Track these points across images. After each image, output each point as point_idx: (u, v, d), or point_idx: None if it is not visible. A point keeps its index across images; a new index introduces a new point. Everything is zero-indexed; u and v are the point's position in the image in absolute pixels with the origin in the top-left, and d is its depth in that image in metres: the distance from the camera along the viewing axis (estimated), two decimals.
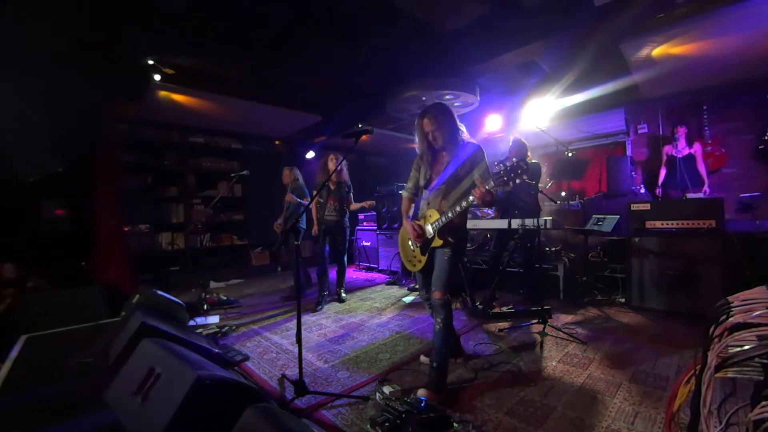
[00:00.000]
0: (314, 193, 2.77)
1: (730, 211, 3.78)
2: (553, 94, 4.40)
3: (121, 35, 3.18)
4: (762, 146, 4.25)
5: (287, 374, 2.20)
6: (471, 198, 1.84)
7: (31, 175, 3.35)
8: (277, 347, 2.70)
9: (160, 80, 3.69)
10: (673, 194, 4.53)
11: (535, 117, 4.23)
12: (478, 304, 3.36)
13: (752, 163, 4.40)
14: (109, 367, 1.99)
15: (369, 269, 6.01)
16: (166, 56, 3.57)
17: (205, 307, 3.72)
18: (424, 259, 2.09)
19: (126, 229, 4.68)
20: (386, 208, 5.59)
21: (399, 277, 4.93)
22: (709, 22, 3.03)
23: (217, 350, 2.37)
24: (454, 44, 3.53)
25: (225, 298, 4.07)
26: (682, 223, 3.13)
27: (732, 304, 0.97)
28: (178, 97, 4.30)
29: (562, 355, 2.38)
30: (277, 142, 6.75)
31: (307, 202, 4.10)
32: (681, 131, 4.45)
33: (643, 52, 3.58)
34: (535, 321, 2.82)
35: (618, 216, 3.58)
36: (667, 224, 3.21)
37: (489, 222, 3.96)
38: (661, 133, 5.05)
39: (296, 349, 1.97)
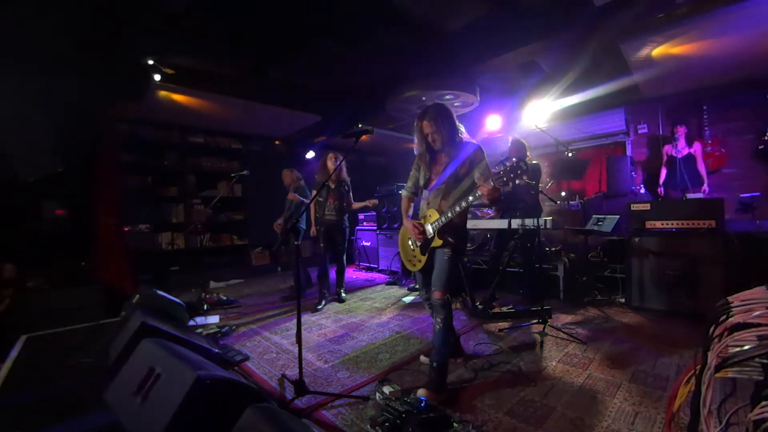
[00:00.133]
0: (314, 193, 2.77)
1: (730, 211, 3.78)
2: (553, 94, 4.40)
3: (121, 35, 3.19)
4: (762, 146, 4.25)
5: (287, 374, 2.20)
6: (471, 198, 1.84)
7: (31, 175, 3.35)
8: (277, 347, 2.70)
9: (160, 80, 3.69)
10: (673, 194, 4.54)
11: (535, 117, 4.23)
12: (478, 304, 3.36)
13: (752, 163, 4.40)
14: (109, 367, 1.99)
15: (369, 269, 6.01)
16: (166, 56, 3.58)
17: (205, 307, 3.72)
18: (423, 258, 2.09)
19: (126, 229, 4.68)
20: (386, 208, 5.59)
21: (399, 277, 4.93)
22: (709, 22, 3.03)
23: (217, 350, 2.37)
24: (454, 44, 3.53)
25: (225, 298, 4.07)
26: (682, 223, 3.13)
27: (732, 304, 0.97)
28: (178, 97, 4.30)
29: (562, 355, 2.38)
30: (277, 142, 6.75)
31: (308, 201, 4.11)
32: (681, 131, 4.45)
33: (643, 52, 3.58)
34: (535, 321, 2.82)
35: (618, 216, 3.58)
36: (667, 224, 3.21)
37: (489, 222, 3.96)
38: (661, 133, 5.05)
39: (296, 349, 1.97)
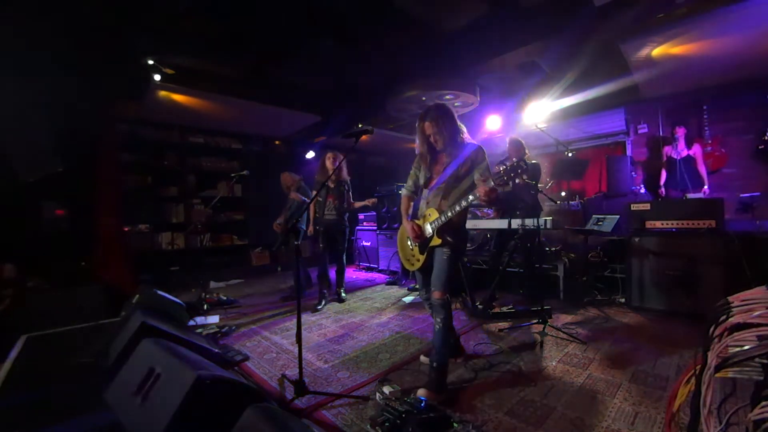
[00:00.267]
0: (314, 193, 2.76)
1: (730, 211, 3.78)
2: (553, 94, 4.40)
3: (121, 35, 3.18)
4: (762, 146, 4.25)
5: (287, 374, 2.20)
6: (471, 197, 1.84)
7: (31, 175, 3.35)
8: (277, 347, 2.70)
9: (160, 80, 3.69)
10: (673, 195, 4.54)
11: (535, 117, 4.23)
12: (478, 304, 3.36)
13: (752, 163, 4.40)
14: (109, 367, 1.99)
15: (369, 269, 6.00)
16: (166, 56, 3.58)
17: (205, 307, 3.72)
18: (422, 258, 2.09)
19: (126, 229, 4.68)
20: (386, 208, 5.59)
21: (399, 277, 4.93)
22: (709, 22, 3.03)
23: (217, 350, 2.37)
24: (454, 44, 3.53)
25: (225, 298, 4.07)
26: (682, 223, 3.13)
27: (732, 304, 0.97)
28: (178, 97, 4.30)
29: (562, 355, 2.38)
30: (277, 142, 6.74)
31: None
32: (680, 132, 4.45)
33: (643, 52, 3.58)
34: (535, 321, 2.82)
35: (618, 216, 3.58)
36: (667, 224, 3.21)
37: (489, 222, 3.96)
38: (661, 133, 5.06)
39: (296, 349, 1.97)
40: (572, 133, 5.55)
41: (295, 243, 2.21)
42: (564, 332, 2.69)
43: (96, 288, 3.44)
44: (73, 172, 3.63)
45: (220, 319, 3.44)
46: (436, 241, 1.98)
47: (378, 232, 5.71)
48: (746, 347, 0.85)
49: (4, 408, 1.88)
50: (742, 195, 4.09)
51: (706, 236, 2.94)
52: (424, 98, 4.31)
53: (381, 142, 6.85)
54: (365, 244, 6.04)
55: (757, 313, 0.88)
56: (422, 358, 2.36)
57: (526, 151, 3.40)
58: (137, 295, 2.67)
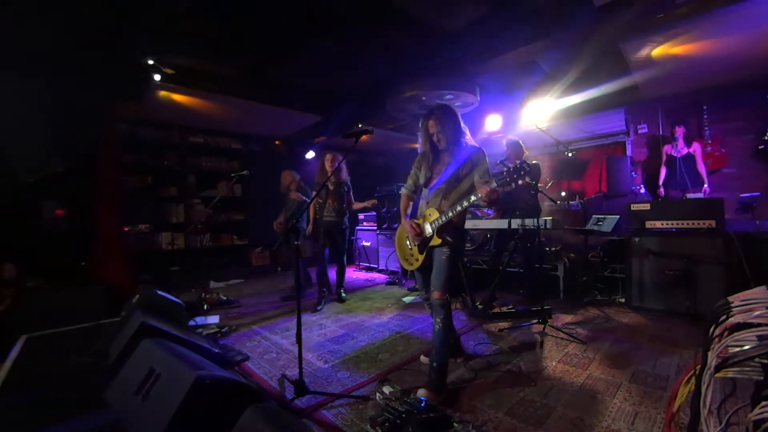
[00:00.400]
0: (314, 193, 2.76)
1: (730, 211, 3.78)
2: (553, 94, 4.40)
3: (121, 35, 3.18)
4: (762, 146, 4.25)
5: (287, 374, 2.20)
6: (472, 198, 1.84)
7: (31, 175, 3.35)
8: (277, 347, 2.70)
9: (160, 80, 3.69)
10: (673, 194, 4.54)
11: (535, 117, 4.23)
12: (478, 304, 3.36)
13: (752, 163, 4.40)
14: (109, 367, 1.99)
15: (369, 269, 6.00)
16: (166, 56, 3.58)
17: (205, 307, 3.72)
18: (421, 257, 2.09)
19: (126, 229, 4.68)
20: (386, 208, 5.59)
21: (399, 277, 4.93)
22: (709, 22, 3.03)
23: (217, 350, 2.37)
24: (454, 44, 3.53)
25: (225, 298, 4.07)
26: (682, 223, 3.13)
27: (732, 304, 0.97)
28: (178, 97, 4.30)
29: (562, 355, 2.38)
30: (277, 142, 6.75)
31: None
32: (679, 131, 4.46)
33: (643, 52, 3.58)
34: (535, 321, 2.82)
35: (618, 216, 3.58)
36: (667, 224, 3.21)
37: (489, 222, 3.96)
38: (661, 133, 5.06)
39: (296, 349, 1.97)
40: (572, 133, 5.55)
41: (296, 243, 2.20)
42: (564, 332, 2.69)
43: (96, 288, 3.44)
44: (73, 172, 3.62)
45: (220, 319, 3.43)
46: (436, 241, 1.98)
47: (378, 232, 5.72)
48: (746, 347, 0.85)
49: (4, 408, 1.88)
50: (742, 195, 4.10)
51: (706, 236, 2.94)
52: (424, 98, 4.30)
53: (381, 142, 6.85)
54: (365, 244, 6.04)
55: (757, 313, 0.88)
56: (422, 358, 2.36)
57: (525, 152, 3.40)
58: (137, 295, 2.67)
